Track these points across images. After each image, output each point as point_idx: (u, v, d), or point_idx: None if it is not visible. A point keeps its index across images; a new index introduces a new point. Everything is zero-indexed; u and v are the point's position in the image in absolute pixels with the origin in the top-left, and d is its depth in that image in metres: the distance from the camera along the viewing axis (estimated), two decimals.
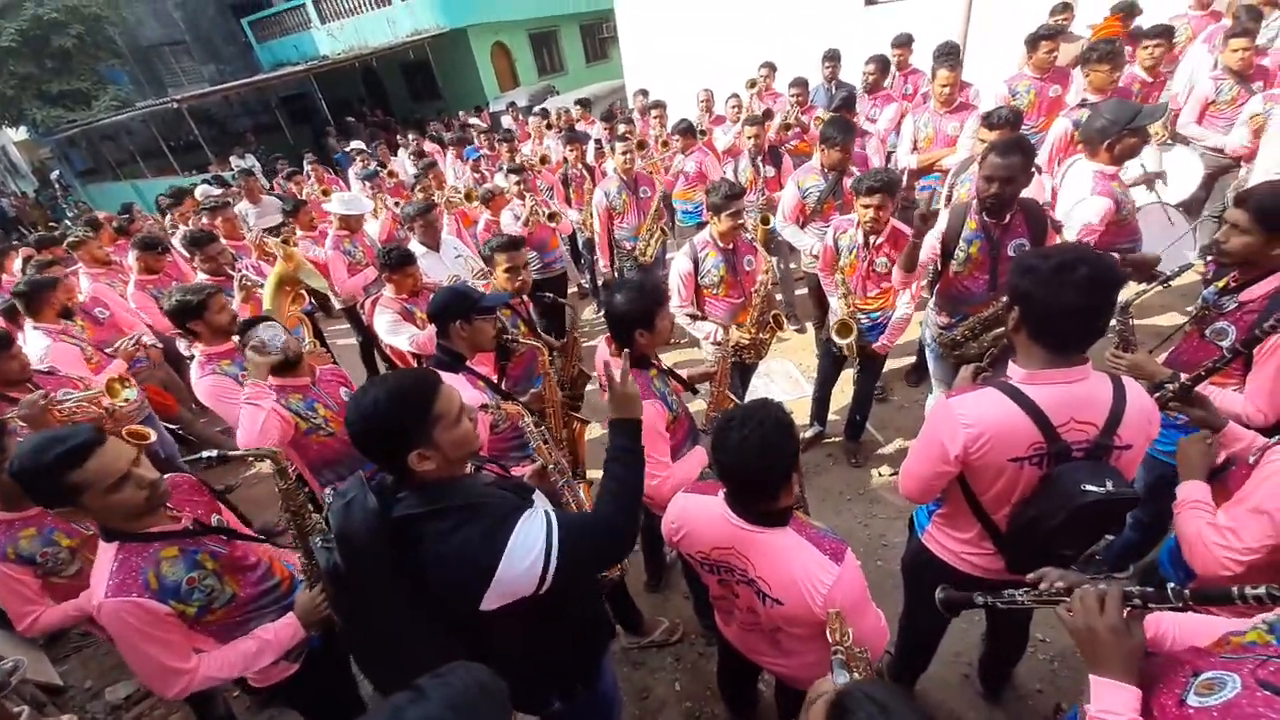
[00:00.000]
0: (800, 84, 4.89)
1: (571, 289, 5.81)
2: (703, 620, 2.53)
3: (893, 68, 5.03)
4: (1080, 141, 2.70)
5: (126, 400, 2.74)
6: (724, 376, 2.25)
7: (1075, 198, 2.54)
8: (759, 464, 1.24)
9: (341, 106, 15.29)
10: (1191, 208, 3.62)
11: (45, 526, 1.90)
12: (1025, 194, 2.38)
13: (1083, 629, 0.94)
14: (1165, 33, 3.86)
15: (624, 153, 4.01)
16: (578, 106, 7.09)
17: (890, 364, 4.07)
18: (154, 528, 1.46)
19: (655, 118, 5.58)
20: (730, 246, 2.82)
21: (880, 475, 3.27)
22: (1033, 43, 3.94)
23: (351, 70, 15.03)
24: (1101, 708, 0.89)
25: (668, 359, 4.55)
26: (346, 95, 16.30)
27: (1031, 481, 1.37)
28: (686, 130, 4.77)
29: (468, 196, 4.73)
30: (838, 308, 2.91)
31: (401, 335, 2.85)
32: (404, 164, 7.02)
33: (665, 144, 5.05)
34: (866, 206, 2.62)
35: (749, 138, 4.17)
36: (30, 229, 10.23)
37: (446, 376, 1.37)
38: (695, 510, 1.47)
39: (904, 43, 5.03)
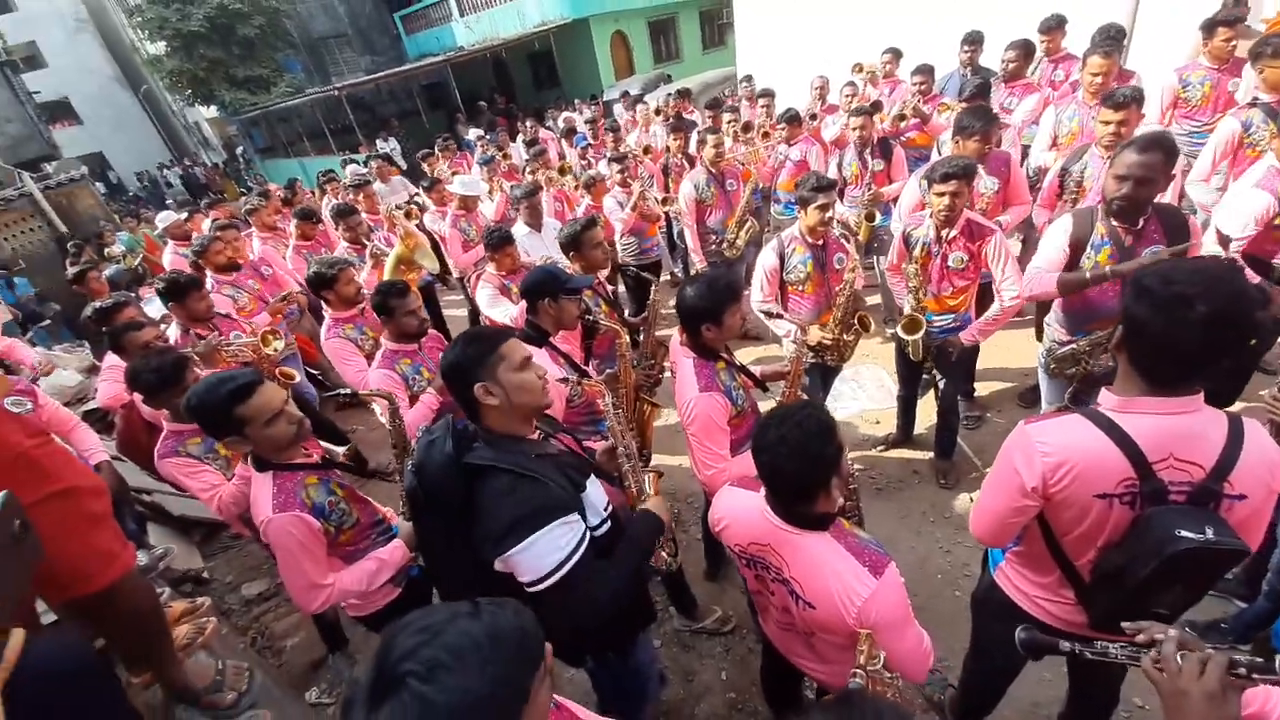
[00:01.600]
0: (925, 71, 4.54)
1: (665, 277, 5.92)
2: (756, 616, 2.53)
3: (1039, 53, 4.49)
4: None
5: (275, 350, 3.24)
6: (797, 377, 2.21)
7: (1235, 193, 2.20)
8: (793, 466, 1.24)
9: (473, 94, 16.43)
10: None
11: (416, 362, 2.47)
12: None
13: (1174, 691, 0.85)
14: None
15: (714, 145, 3.98)
16: (676, 96, 7.09)
17: (1001, 385, 3.75)
18: (297, 459, 1.75)
19: (763, 106, 5.45)
20: (819, 242, 2.75)
21: (971, 500, 3.03)
22: (1209, 29, 3.36)
23: (483, 60, 16.06)
24: None
25: (751, 354, 4.51)
26: (477, 83, 17.47)
27: (1121, 524, 1.22)
28: (793, 119, 4.64)
29: (561, 171, 5.09)
30: (906, 304, 2.75)
31: (498, 309, 3.10)
32: (519, 150, 7.47)
33: (766, 134, 4.93)
34: (941, 194, 2.43)
35: (854, 129, 3.97)
36: (219, 195, 12.18)
37: (531, 350, 1.51)
38: (737, 504, 1.49)
39: (1054, 26, 4.40)
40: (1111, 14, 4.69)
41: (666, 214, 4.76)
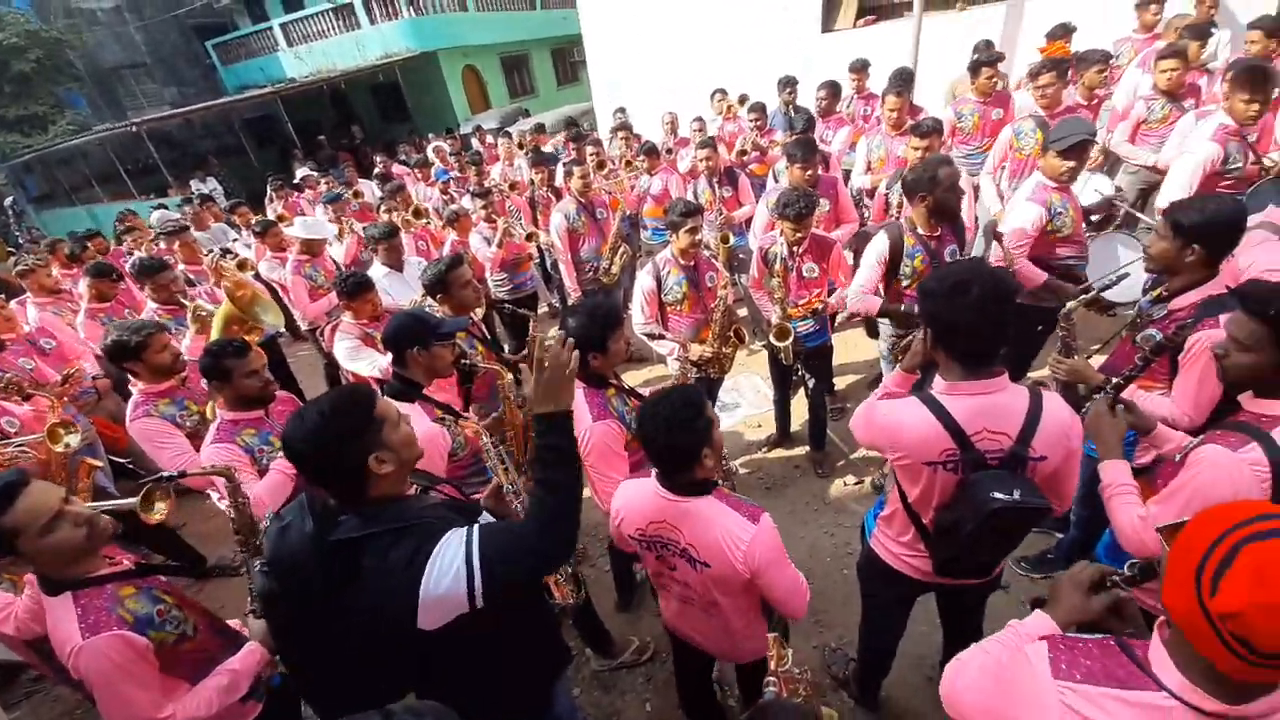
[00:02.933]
0: (758, 109, 5.07)
1: (543, 309, 5.84)
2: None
3: (847, 92, 5.26)
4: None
5: (69, 445, 2.60)
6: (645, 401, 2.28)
7: (1015, 205, 2.71)
8: (667, 436, 1.39)
9: (309, 128, 15.16)
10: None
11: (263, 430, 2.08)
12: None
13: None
14: (1104, 58, 4.11)
15: (580, 176, 4.07)
16: (534, 130, 7.14)
17: (854, 377, 4.21)
18: (99, 570, 1.41)
19: (622, 139, 5.70)
20: (691, 263, 2.90)
21: (845, 485, 3.33)
22: (974, 70, 4.16)
23: (319, 92, 14.95)
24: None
25: (638, 376, 4.60)
26: (314, 117, 16.17)
27: (949, 487, 1.45)
28: (651, 151, 4.92)
29: (416, 214, 4.72)
30: (774, 315, 3.00)
31: (362, 361, 2.83)
32: (372, 187, 7.00)
33: (630, 164, 5.15)
34: (791, 230, 2.77)
35: (702, 160, 4.29)
36: None
37: (402, 407, 1.38)
38: (630, 491, 1.61)
39: (859, 68, 5.29)
40: (898, 59, 5.65)
41: (539, 246, 4.74)
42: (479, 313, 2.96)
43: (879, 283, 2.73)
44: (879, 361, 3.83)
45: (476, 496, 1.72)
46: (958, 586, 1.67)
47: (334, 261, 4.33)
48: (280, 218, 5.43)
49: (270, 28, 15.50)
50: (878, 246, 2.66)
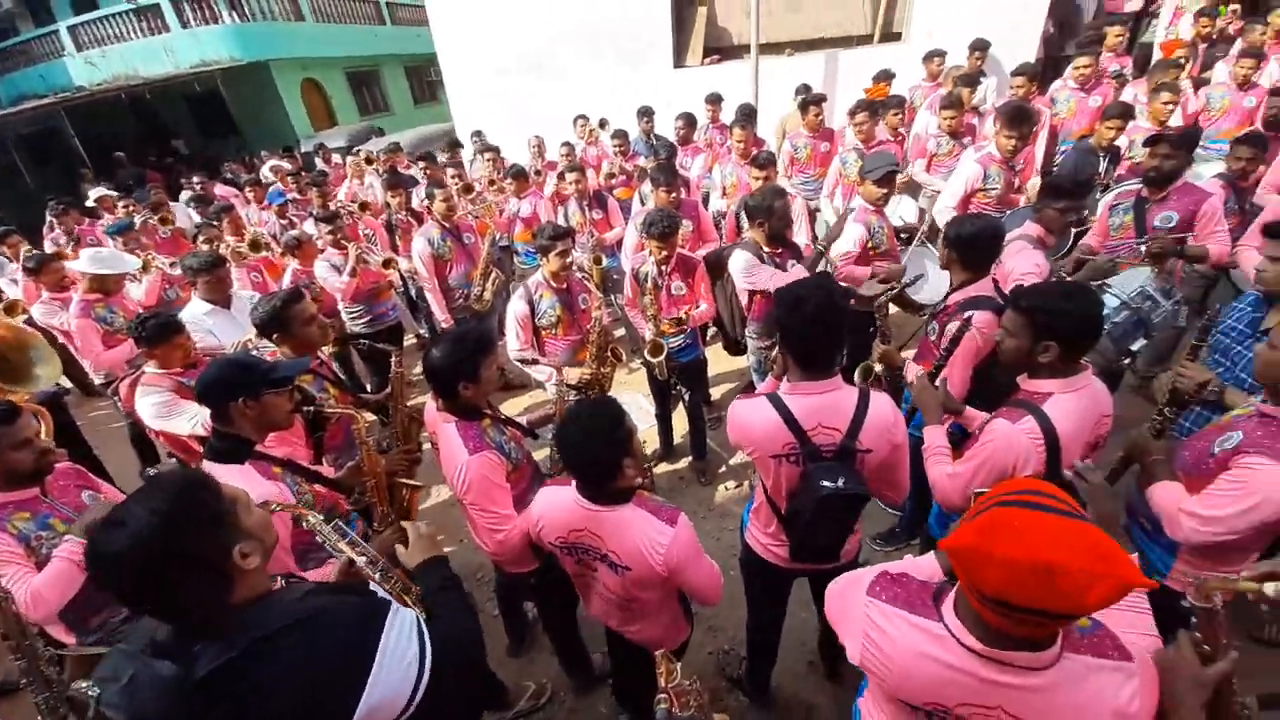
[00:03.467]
0: (620, 135, 5.25)
1: (410, 340, 5.44)
2: (572, 675, 2.43)
3: (703, 121, 5.70)
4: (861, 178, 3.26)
5: None
6: (563, 417, 2.23)
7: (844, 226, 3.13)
8: (587, 450, 1.43)
9: (107, 144, 12.83)
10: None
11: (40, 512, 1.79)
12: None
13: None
14: (899, 103, 4.93)
15: (444, 200, 3.90)
16: (389, 150, 6.66)
17: (728, 385, 4.45)
18: None
19: (489, 161, 5.54)
20: (564, 286, 2.89)
21: (727, 489, 3.48)
22: (804, 108, 4.71)
23: (117, 103, 12.75)
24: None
25: (517, 405, 4.45)
26: (114, 131, 13.74)
27: (794, 478, 1.62)
28: (519, 174, 4.85)
29: (253, 246, 4.07)
30: (648, 331, 3.10)
31: (181, 417, 2.39)
32: (188, 211, 6.05)
33: (499, 187, 5.04)
34: (658, 249, 2.91)
35: (572, 183, 4.34)
36: None
37: (224, 472, 1.16)
38: (551, 499, 1.63)
39: (714, 100, 5.77)
40: (743, 95, 6.21)
41: (401, 274, 4.42)
42: (328, 350, 2.66)
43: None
44: (750, 371, 4.12)
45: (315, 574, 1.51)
46: (820, 571, 1.80)
47: (134, 300, 3.64)
48: (59, 254, 4.44)
49: (56, 30, 12.87)
50: (742, 262, 2.88)
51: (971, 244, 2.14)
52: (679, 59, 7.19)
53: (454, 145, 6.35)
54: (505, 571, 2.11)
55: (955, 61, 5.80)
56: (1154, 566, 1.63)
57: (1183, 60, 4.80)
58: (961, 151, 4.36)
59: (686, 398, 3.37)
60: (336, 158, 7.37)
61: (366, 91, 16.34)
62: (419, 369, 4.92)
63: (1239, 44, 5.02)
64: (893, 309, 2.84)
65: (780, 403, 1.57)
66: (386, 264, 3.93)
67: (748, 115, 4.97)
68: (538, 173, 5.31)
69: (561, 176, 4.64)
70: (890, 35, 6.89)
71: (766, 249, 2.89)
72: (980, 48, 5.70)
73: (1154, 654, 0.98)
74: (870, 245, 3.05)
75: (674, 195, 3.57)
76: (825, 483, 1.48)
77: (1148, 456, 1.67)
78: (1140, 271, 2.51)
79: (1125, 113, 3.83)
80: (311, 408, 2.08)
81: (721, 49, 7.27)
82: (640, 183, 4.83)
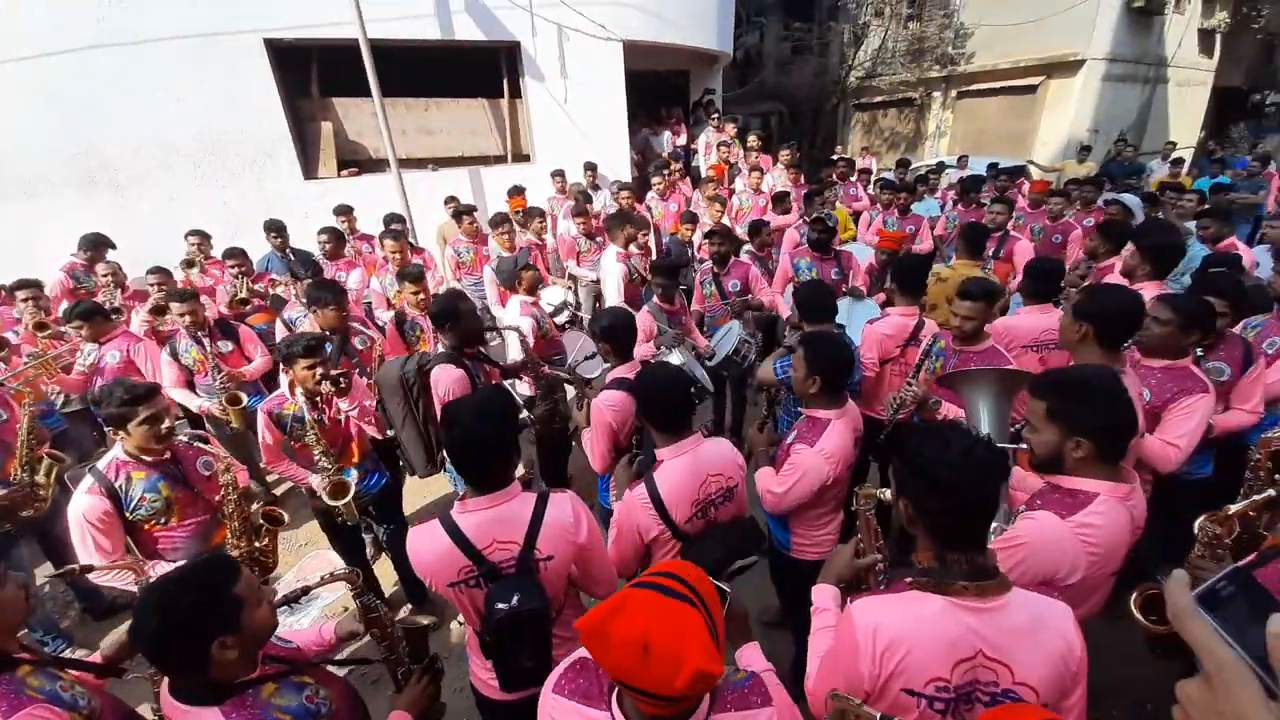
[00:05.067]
0: (237, 254, 4.45)
1: None
2: None
3: (346, 232, 5.33)
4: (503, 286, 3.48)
5: None
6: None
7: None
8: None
9: None
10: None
11: None
12: None
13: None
14: (541, 213, 5.59)
15: None
16: None
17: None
18: None
19: (25, 301, 3.91)
20: (165, 456, 2.15)
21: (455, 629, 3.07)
22: (457, 217, 4.95)
23: None
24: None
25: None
26: None
27: (479, 602, 1.47)
28: (88, 313, 3.46)
29: None
30: (317, 478, 2.63)
31: None
32: None
33: (44, 327, 3.60)
34: (310, 369, 2.50)
35: (181, 315, 3.44)
36: None
37: None
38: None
39: (344, 211, 5.53)
40: (390, 205, 6.13)
41: None
42: None
43: None
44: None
45: None
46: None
47: None
48: None
49: None
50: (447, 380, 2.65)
51: (613, 331, 2.46)
52: (309, 170, 6.70)
53: None
54: None
55: (574, 178, 7.03)
56: (780, 542, 2.14)
57: (711, 177, 6.94)
58: (600, 250, 5.23)
59: (384, 536, 2.92)
60: None
61: None
62: None
63: (744, 165, 7.58)
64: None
65: (451, 524, 1.46)
66: None
67: (397, 223, 4.94)
68: (116, 311, 4.03)
69: (158, 312, 3.65)
70: (520, 156, 7.93)
71: (466, 353, 2.75)
72: (591, 168, 7.13)
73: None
74: (541, 332, 3.30)
75: (342, 315, 3.23)
76: (499, 604, 1.39)
77: (756, 447, 2.18)
78: (733, 325, 3.59)
79: (693, 218, 5.49)
80: None
81: (359, 162, 7.11)
82: (280, 310, 4.15)
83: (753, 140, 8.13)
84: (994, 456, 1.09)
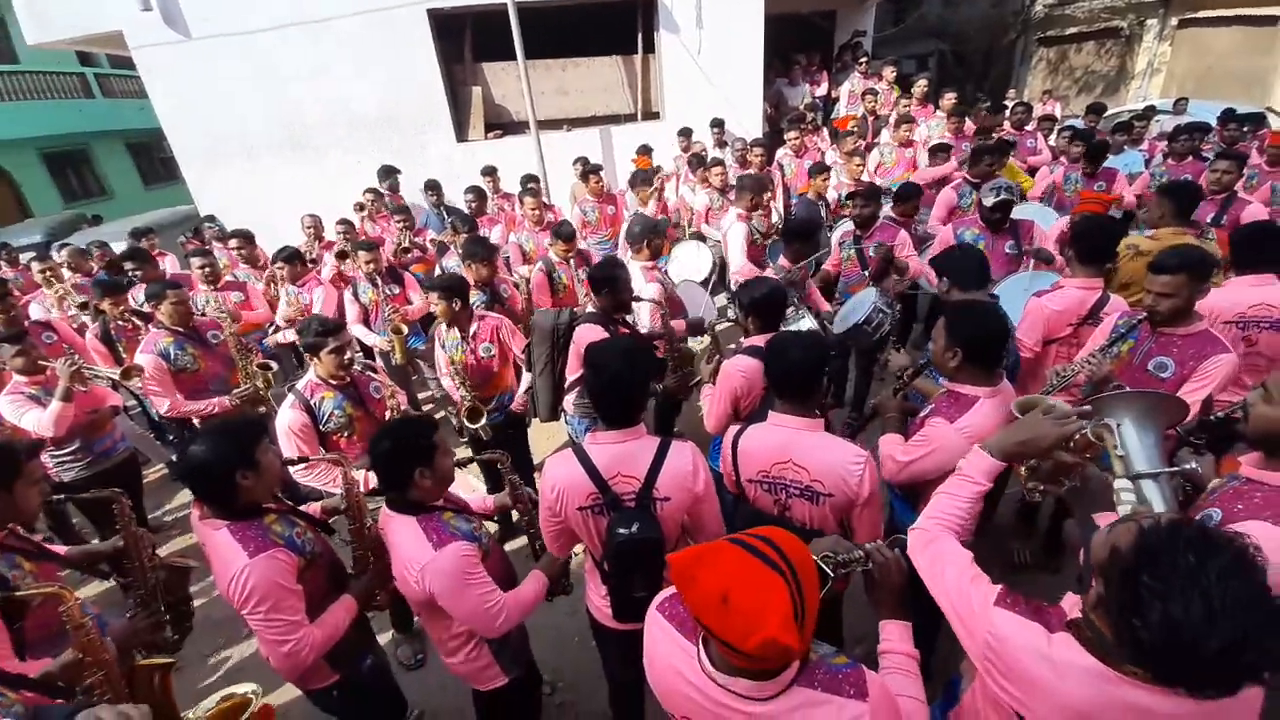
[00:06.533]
0: (402, 210, 5.04)
1: (156, 471, 4.38)
2: None
3: (490, 193, 5.76)
4: (629, 244, 3.53)
5: None
6: (359, 509, 1.96)
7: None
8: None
9: None
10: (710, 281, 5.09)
11: None
12: None
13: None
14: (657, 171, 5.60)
15: (174, 302, 3.22)
16: (96, 247, 5.41)
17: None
18: None
19: (234, 249, 4.83)
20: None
21: (576, 556, 3.35)
22: (584, 177, 5.10)
23: None
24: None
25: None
26: None
27: (601, 530, 1.63)
28: (291, 257, 4.28)
29: None
30: (463, 398, 2.99)
31: None
32: None
33: (272, 279, 4.43)
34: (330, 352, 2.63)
35: (366, 263, 4.02)
36: None
37: None
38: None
39: (489, 172, 5.97)
40: (529, 165, 6.48)
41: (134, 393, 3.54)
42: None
43: None
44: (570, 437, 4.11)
45: None
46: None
47: None
48: None
49: None
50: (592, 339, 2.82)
51: (764, 304, 2.34)
52: (461, 134, 7.28)
53: (197, 232, 5.49)
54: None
55: (699, 137, 6.86)
56: (903, 522, 1.96)
57: (854, 129, 6.32)
58: (726, 208, 5.09)
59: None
60: (26, 258, 5.74)
61: (73, 174, 13.38)
62: (178, 500, 3.96)
63: (894, 115, 6.82)
64: None
65: (584, 454, 1.61)
66: (126, 374, 3.12)
67: (529, 185, 5.25)
68: (312, 261, 4.81)
69: (342, 256, 4.28)
70: (650, 114, 7.90)
71: (615, 318, 2.86)
72: (718, 125, 6.87)
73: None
74: (666, 297, 3.36)
75: (492, 270, 3.58)
76: (620, 530, 1.51)
77: (886, 413, 2.04)
78: (869, 291, 3.27)
79: (823, 169, 5.10)
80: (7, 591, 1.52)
81: (503, 124, 7.57)
82: (440, 256, 4.68)
83: (919, 86, 7.13)
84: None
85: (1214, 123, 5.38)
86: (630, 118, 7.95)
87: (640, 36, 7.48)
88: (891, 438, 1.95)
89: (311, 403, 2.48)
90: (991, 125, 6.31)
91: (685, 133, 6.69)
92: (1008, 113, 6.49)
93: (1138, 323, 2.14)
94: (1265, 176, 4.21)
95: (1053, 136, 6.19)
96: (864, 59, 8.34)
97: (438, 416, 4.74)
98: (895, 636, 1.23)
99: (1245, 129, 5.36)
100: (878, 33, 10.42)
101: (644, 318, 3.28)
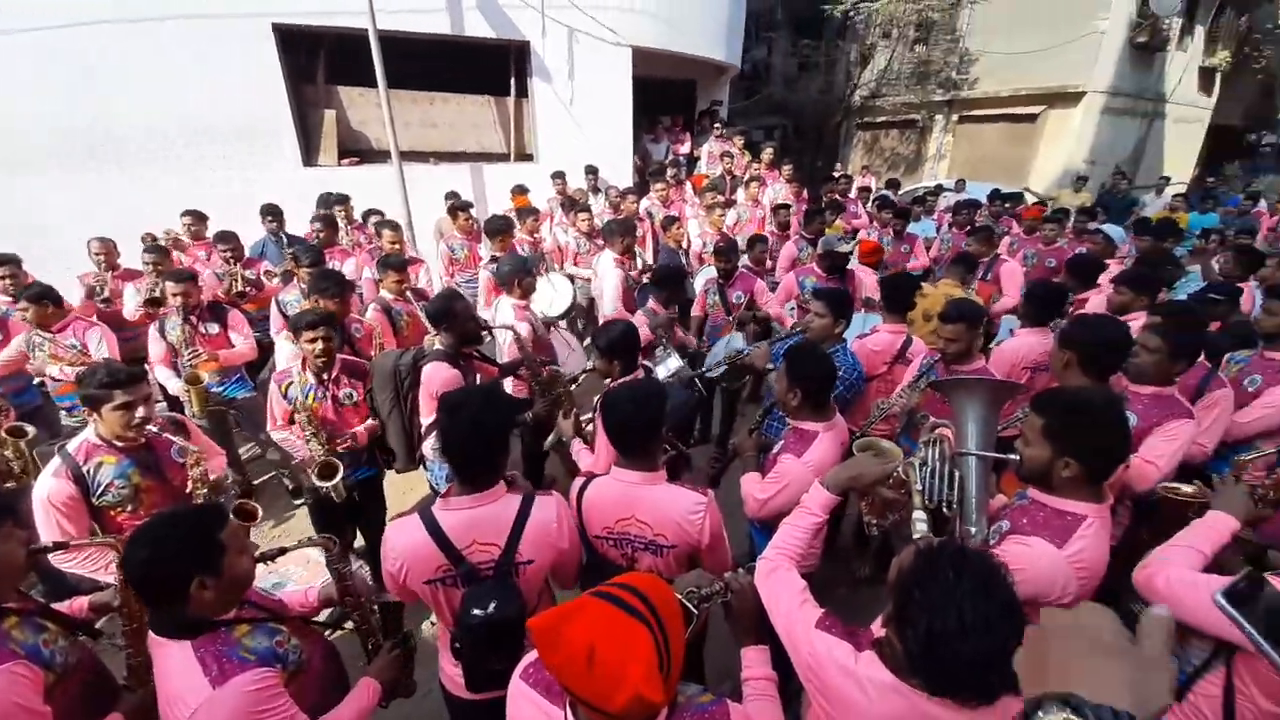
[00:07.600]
0: (229, 238, 4.37)
1: None
2: None
3: (341, 222, 5.28)
4: (498, 285, 3.42)
5: None
6: (136, 605, 1.58)
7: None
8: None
9: None
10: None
11: None
12: None
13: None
14: (534, 213, 5.56)
15: None
16: None
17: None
18: None
19: (4, 277, 3.83)
20: (138, 441, 2.07)
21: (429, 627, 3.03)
22: (453, 213, 4.91)
23: None
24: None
25: None
26: None
27: (454, 602, 1.45)
28: (39, 296, 3.22)
29: None
30: (314, 452, 2.61)
31: None
32: None
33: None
34: (311, 341, 2.55)
35: (175, 295, 3.40)
36: None
37: None
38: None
39: (341, 201, 5.49)
40: (389, 196, 6.08)
41: None
42: None
43: None
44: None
45: None
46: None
47: None
48: None
49: None
50: (439, 375, 2.63)
51: (621, 344, 2.40)
52: (309, 158, 6.67)
53: None
54: None
55: (576, 181, 7.02)
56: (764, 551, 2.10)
57: (715, 185, 6.91)
58: (597, 251, 5.20)
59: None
60: None
61: None
62: None
63: (747, 175, 7.59)
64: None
65: (432, 520, 1.42)
66: None
67: (388, 219, 4.95)
68: (106, 301, 4.00)
69: (155, 304, 3.66)
70: (524, 155, 7.93)
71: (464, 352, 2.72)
72: (593, 171, 7.10)
73: None
74: (535, 337, 3.27)
75: (346, 306, 3.24)
76: (476, 611, 1.36)
77: (744, 452, 2.19)
78: (734, 335, 3.59)
79: (673, 220, 5.56)
80: None
81: (360, 151, 7.08)
82: (282, 287, 4.14)
83: (767, 153, 8.20)
84: None
85: (984, 200, 6.77)
86: (503, 157, 7.90)
87: (514, 80, 7.55)
88: (751, 476, 2.06)
89: (84, 469, 1.98)
90: (825, 192, 7.35)
91: (559, 175, 6.79)
92: (835, 182, 7.55)
93: (934, 362, 2.58)
94: (1022, 243, 5.35)
95: (869, 204, 7.34)
96: (720, 125, 9.25)
97: (264, 479, 4.12)
98: (755, 662, 1.27)
99: (1008, 205, 7.02)
100: (732, 104, 11.64)
101: (502, 346, 3.18)
